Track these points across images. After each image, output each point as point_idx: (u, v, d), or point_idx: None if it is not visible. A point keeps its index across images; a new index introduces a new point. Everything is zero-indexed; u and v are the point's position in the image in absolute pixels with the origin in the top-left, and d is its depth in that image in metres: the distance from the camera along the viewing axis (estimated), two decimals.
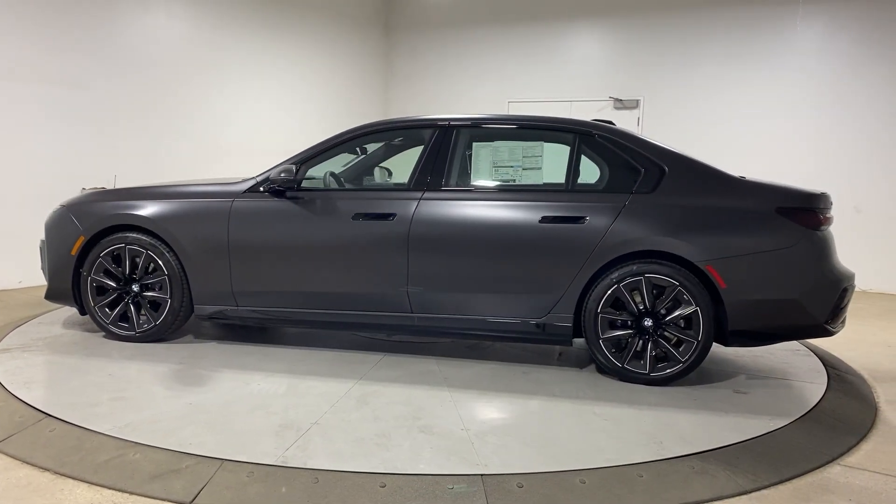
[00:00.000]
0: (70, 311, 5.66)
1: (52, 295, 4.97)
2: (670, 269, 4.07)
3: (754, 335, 4.12)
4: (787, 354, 5.01)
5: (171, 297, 4.73)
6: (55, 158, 6.98)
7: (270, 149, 7.76)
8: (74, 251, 4.82)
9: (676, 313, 4.09)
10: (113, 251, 4.77)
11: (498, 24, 10.23)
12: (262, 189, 4.63)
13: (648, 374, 4.17)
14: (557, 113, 8.96)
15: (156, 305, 4.81)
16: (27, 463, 3.02)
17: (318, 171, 4.79)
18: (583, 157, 4.46)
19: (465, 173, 4.63)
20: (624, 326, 4.19)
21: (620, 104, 9.35)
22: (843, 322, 4.28)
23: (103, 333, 4.96)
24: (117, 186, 7.34)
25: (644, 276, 4.09)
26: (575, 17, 9.70)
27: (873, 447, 3.45)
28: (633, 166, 4.28)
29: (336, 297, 4.53)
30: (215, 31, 8.51)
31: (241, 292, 4.67)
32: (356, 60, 10.66)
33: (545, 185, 4.56)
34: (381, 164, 5.35)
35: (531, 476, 2.96)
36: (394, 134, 5.01)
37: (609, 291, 4.14)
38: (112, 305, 4.85)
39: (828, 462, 3.22)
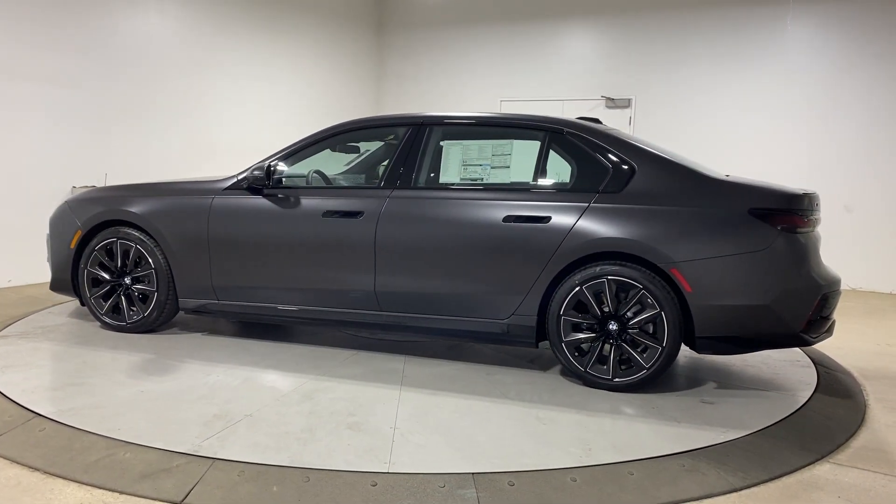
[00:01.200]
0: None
1: (56, 286, 5.24)
2: (634, 271, 3.92)
3: (724, 342, 3.92)
4: (781, 364, 4.75)
5: (157, 291, 4.90)
6: (46, 157, 6.94)
7: (262, 147, 7.71)
8: (73, 244, 5.07)
9: (640, 317, 3.92)
10: (106, 245, 4.98)
11: (490, 23, 10.23)
12: (243, 186, 4.74)
13: (611, 379, 4.01)
14: (550, 112, 8.98)
15: (145, 298, 4.97)
16: (17, 462, 3.01)
17: (302, 169, 4.86)
18: (552, 155, 4.36)
19: (435, 172, 4.57)
20: (587, 329, 4.05)
21: (612, 103, 9.37)
22: (829, 331, 4.05)
23: (99, 324, 5.14)
24: (109, 184, 7.33)
25: (607, 279, 3.95)
26: (567, 16, 9.71)
27: (862, 445, 3.47)
28: (602, 165, 4.14)
29: (308, 293, 4.60)
30: (207, 30, 8.48)
31: (221, 287, 4.80)
32: (348, 59, 10.64)
33: (512, 183, 4.48)
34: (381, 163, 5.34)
35: (522, 474, 2.97)
36: (368, 132, 4.95)
37: (572, 293, 4.01)
38: (106, 297, 5.05)
39: (817, 460, 3.24)
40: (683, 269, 3.83)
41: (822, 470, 3.15)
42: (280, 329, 5.32)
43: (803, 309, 3.81)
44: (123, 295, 5.00)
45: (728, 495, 2.87)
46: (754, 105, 8.59)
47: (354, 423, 3.50)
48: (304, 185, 4.83)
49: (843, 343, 5.51)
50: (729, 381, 4.35)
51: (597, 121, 4.68)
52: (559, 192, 4.19)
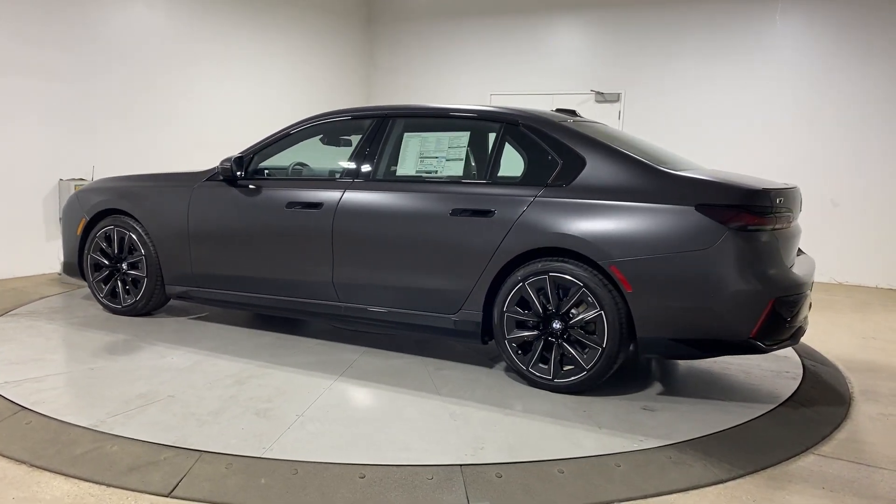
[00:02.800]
0: None
1: (67, 269, 5.68)
2: (575, 268, 3.75)
3: (667, 346, 3.70)
4: (766, 375, 4.45)
5: (147, 277, 5.15)
6: (33, 151, 6.89)
7: (251, 140, 7.64)
8: (79, 231, 5.42)
9: (581, 316, 3.76)
10: (106, 233, 5.28)
11: (480, 17, 10.22)
12: (219, 178, 4.88)
13: (552, 380, 3.86)
14: (540, 106, 8.99)
15: (137, 283, 5.22)
16: (2, 455, 3.00)
17: (276, 161, 4.95)
18: (508, 147, 4.25)
19: (393, 164, 4.54)
20: (530, 327, 3.92)
21: (602, 97, 9.39)
22: (794, 338, 3.78)
23: (100, 306, 5.48)
24: (95, 178, 7.28)
25: (549, 275, 3.81)
26: (557, 10, 9.70)
27: (847, 437, 3.50)
28: (553, 157, 4.01)
29: (275, 283, 4.68)
30: (195, 23, 8.43)
31: (200, 275, 4.98)
32: (337, 52, 10.60)
33: (464, 176, 4.36)
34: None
35: (510, 466, 2.98)
36: (337, 124, 4.90)
37: (515, 290, 3.90)
38: (106, 281, 5.35)
39: (802, 451, 3.27)
40: (623, 267, 3.63)
41: (807, 461, 3.18)
42: (269, 319, 5.35)
43: (752, 314, 3.52)
44: (119, 280, 5.27)
45: (714, 487, 2.89)
46: (743, 100, 8.62)
47: (265, 409, 3.55)
48: (273, 176, 4.91)
49: (829, 336, 5.56)
50: (685, 387, 4.14)
51: (573, 112, 4.63)
52: (507, 186, 4.08)
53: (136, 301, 5.21)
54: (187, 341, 4.73)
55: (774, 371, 4.45)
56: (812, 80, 8.26)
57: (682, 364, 4.55)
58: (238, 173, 4.78)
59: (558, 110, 4.64)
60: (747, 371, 4.44)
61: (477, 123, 4.46)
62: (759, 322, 3.52)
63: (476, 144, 4.45)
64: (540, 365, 3.89)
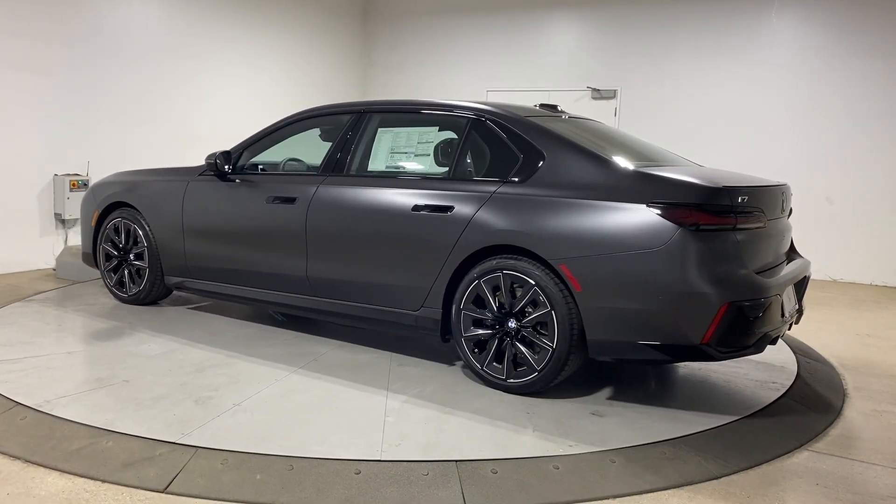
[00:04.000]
0: None
1: (85, 259, 5.88)
2: (527, 266, 3.66)
3: (618, 349, 3.55)
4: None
5: (149, 267, 5.34)
6: (27, 145, 6.86)
7: (245, 135, 7.66)
8: (93, 223, 5.66)
9: (532, 315, 3.67)
10: (115, 224, 5.50)
11: (476, 14, 10.20)
12: (211, 172, 4.97)
13: (506, 380, 3.77)
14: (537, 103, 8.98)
15: (141, 273, 5.41)
16: None
17: (263, 156, 5.03)
18: (474, 142, 4.19)
19: (365, 160, 4.54)
20: (486, 325, 3.84)
21: (598, 94, 9.39)
22: (757, 346, 3.52)
23: (111, 295, 5.70)
24: (90, 174, 7.27)
25: (503, 273, 3.74)
26: (554, 7, 9.70)
27: (840, 433, 3.52)
28: (514, 152, 3.93)
29: (257, 276, 4.76)
30: (189, 18, 8.40)
31: (193, 267, 5.12)
32: (333, 48, 10.58)
33: (429, 172, 4.31)
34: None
35: (505, 462, 2.98)
36: (322, 120, 4.92)
37: (471, 287, 3.84)
38: (116, 271, 5.57)
39: (796, 448, 3.28)
40: (573, 265, 3.52)
41: (801, 458, 3.19)
42: (262, 310, 5.41)
43: (702, 319, 3.31)
44: (126, 270, 5.48)
45: (708, 483, 2.90)
46: (739, 97, 8.63)
47: (206, 397, 3.63)
48: (262, 171, 4.96)
49: (824, 333, 5.58)
50: (657, 391, 4.01)
51: (554, 108, 4.57)
52: (468, 181, 4.03)
53: (139, 290, 5.41)
54: (173, 330, 4.88)
55: (682, 409, 3.81)
56: (807, 77, 8.27)
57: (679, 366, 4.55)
58: (226, 167, 4.87)
59: (541, 106, 4.60)
60: (644, 407, 4.11)
61: (446, 119, 4.39)
62: (710, 328, 3.31)
63: (444, 140, 4.38)
64: (494, 364, 3.81)
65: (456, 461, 2.97)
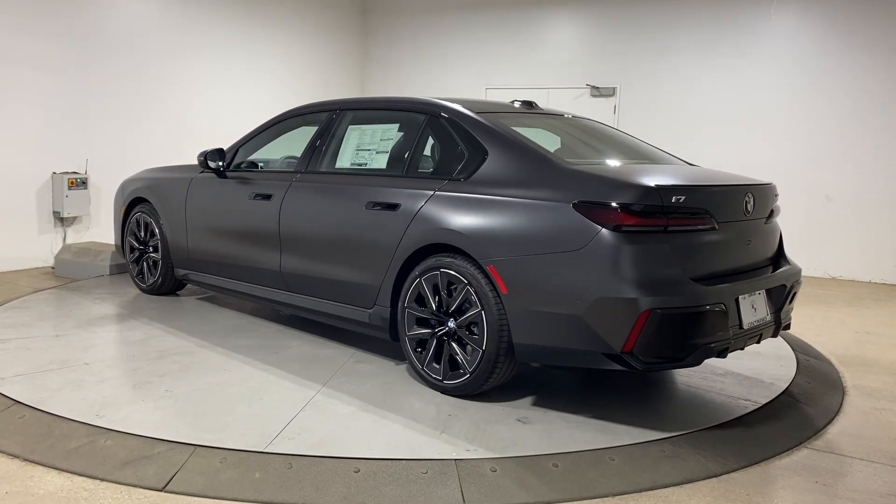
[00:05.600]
0: None
1: (117, 251, 6.24)
2: (461, 265, 3.58)
3: (542, 353, 3.43)
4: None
5: (161, 259, 5.60)
6: (26, 143, 6.85)
7: (244, 132, 7.66)
8: (122, 216, 5.97)
9: (465, 316, 3.58)
10: (137, 219, 5.79)
11: (475, 11, 10.19)
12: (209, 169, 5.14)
13: (442, 380, 3.69)
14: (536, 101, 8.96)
15: (156, 265, 5.69)
16: None
17: (256, 154, 5.16)
18: (429, 139, 4.16)
19: (334, 157, 4.56)
20: (427, 325, 3.78)
21: (597, 92, 9.38)
22: (693, 358, 3.23)
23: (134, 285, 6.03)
24: (89, 171, 7.25)
25: (440, 271, 3.66)
26: (553, 4, 9.68)
27: (840, 430, 3.52)
28: (462, 149, 3.86)
29: (242, 269, 4.90)
30: (189, 16, 8.38)
31: (194, 260, 5.31)
32: (332, 45, 10.56)
33: (385, 169, 4.25)
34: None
35: (504, 460, 2.98)
36: (305, 119, 4.94)
37: (413, 285, 3.79)
38: (138, 262, 5.87)
39: (795, 446, 3.28)
40: (500, 266, 3.41)
41: (800, 455, 3.19)
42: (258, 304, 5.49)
43: (622, 326, 3.11)
44: (144, 262, 5.78)
45: (708, 480, 2.90)
46: (738, 94, 8.62)
47: (145, 382, 3.78)
48: (246, 169, 5.09)
49: (823, 331, 5.58)
50: (629, 396, 3.84)
51: (531, 104, 4.53)
52: (418, 179, 3.99)
53: (154, 281, 5.71)
54: (168, 319, 5.11)
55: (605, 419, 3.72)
56: (806, 74, 8.26)
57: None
58: (219, 164, 5.03)
59: (522, 103, 4.54)
60: (566, 416, 3.93)
61: (406, 116, 4.36)
62: (631, 335, 3.11)
63: (404, 136, 4.34)
64: (434, 364, 3.74)
65: (455, 460, 2.96)
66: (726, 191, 3.58)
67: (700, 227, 3.35)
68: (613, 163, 4.04)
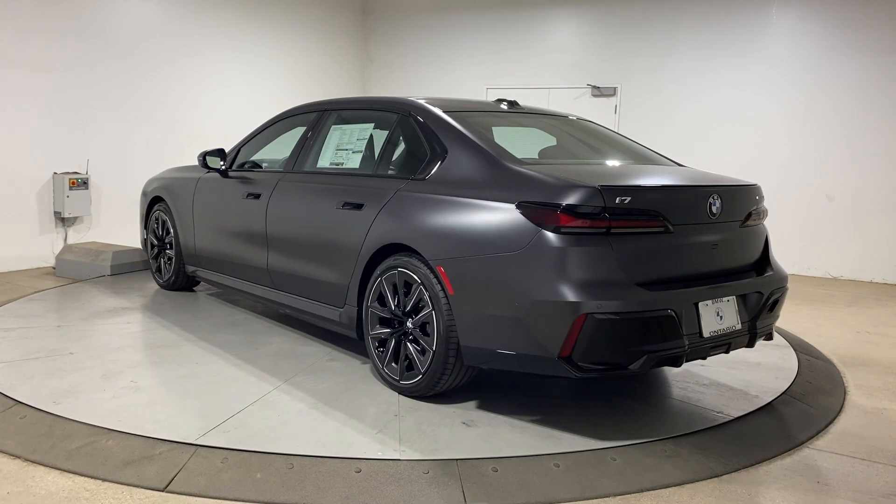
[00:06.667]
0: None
1: (142, 247, 6.42)
2: (416, 265, 3.54)
3: (487, 357, 3.32)
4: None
5: (175, 256, 5.80)
6: (27, 144, 6.85)
7: (244, 132, 7.66)
8: (143, 215, 6.22)
9: (418, 315, 3.55)
10: (156, 217, 6.01)
11: (476, 11, 10.19)
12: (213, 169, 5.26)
13: (398, 381, 3.67)
14: (536, 101, 8.97)
15: (171, 261, 5.88)
16: None
17: (258, 155, 5.24)
18: (397, 138, 4.15)
19: (316, 157, 4.59)
20: (387, 324, 3.75)
21: (598, 91, 9.37)
22: (641, 366, 3.09)
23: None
24: (90, 172, 7.26)
25: (398, 271, 3.64)
26: (554, 4, 9.68)
27: (841, 430, 3.51)
28: (425, 149, 3.84)
29: (239, 267, 5.00)
30: (190, 16, 8.39)
31: (201, 257, 5.45)
32: (333, 45, 10.56)
33: (358, 168, 4.27)
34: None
35: (505, 460, 2.98)
36: (299, 119, 4.97)
37: (375, 284, 3.78)
38: (156, 258, 6.09)
39: (797, 446, 3.28)
40: (448, 267, 3.37)
41: (802, 455, 3.19)
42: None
43: (559, 330, 3.02)
44: (161, 258, 6.02)
45: (709, 481, 2.90)
46: (739, 94, 8.62)
47: (116, 373, 3.90)
48: (245, 169, 5.17)
49: (824, 331, 5.58)
50: (559, 398, 3.76)
51: (514, 104, 4.46)
52: (384, 178, 3.99)
53: (169, 277, 5.92)
54: (169, 313, 5.29)
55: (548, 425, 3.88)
56: (807, 74, 8.26)
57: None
58: (221, 164, 5.14)
59: (498, 100, 4.51)
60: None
61: (383, 115, 4.34)
62: (568, 340, 3.01)
63: (377, 135, 4.36)
64: (392, 364, 3.72)
65: (456, 459, 2.96)
66: (683, 192, 3.42)
67: (649, 229, 3.20)
68: (587, 163, 3.98)
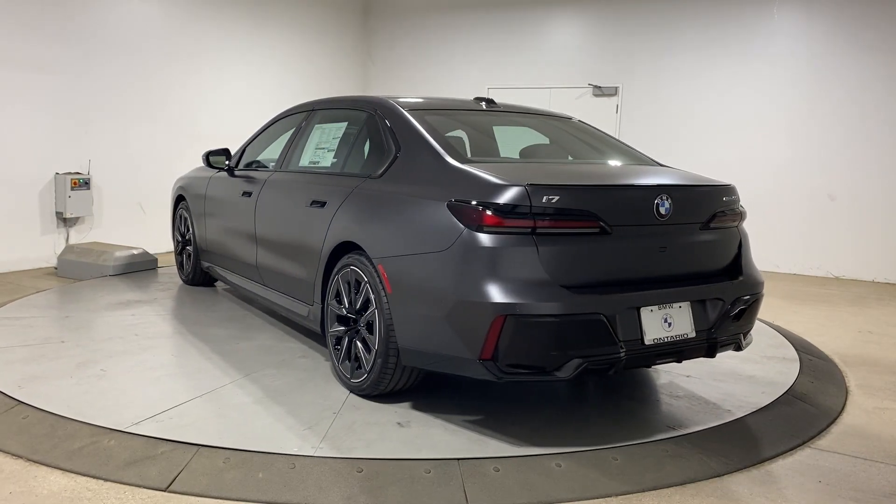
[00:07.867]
0: None
1: (173, 242, 6.63)
2: (364, 263, 3.51)
3: (421, 358, 3.27)
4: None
5: (193, 252, 6.03)
6: (29, 144, 6.86)
7: (246, 132, 7.67)
8: (172, 212, 6.48)
9: (365, 314, 3.53)
10: (179, 214, 6.28)
11: (477, 10, 10.19)
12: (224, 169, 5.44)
13: (350, 379, 3.64)
14: (537, 101, 8.97)
15: (191, 257, 6.10)
16: None
17: (261, 154, 5.31)
18: (363, 137, 4.16)
19: (298, 156, 4.68)
20: (344, 322, 3.73)
21: (599, 91, 9.37)
22: (562, 370, 2.97)
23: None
24: (91, 172, 7.26)
25: (350, 269, 3.63)
26: (555, 3, 9.68)
27: (843, 430, 3.51)
28: (384, 147, 3.82)
29: (237, 263, 5.14)
30: (191, 17, 8.39)
31: (212, 253, 5.63)
32: (334, 46, 10.57)
33: (329, 167, 4.30)
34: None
35: (507, 460, 2.98)
36: (290, 119, 5.05)
37: (333, 282, 3.77)
38: (180, 254, 6.38)
39: (798, 445, 3.28)
40: (387, 265, 3.34)
41: (804, 455, 3.19)
42: None
43: (477, 331, 2.96)
44: (183, 254, 6.30)
45: (710, 480, 2.90)
46: (741, 93, 8.61)
47: (91, 361, 4.05)
48: (246, 168, 5.28)
49: (826, 330, 5.57)
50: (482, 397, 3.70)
51: (491, 101, 4.42)
52: (346, 177, 3.98)
53: (189, 272, 6.17)
54: (176, 307, 5.48)
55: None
56: (809, 73, 8.26)
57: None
58: (226, 163, 5.30)
59: (476, 98, 4.48)
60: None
61: (356, 113, 4.34)
62: (487, 342, 2.94)
63: (348, 134, 4.37)
64: (346, 362, 3.70)
65: (458, 459, 2.96)
66: (623, 191, 3.27)
67: (581, 229, 3.06)
68: (547, 162, 3.95)
